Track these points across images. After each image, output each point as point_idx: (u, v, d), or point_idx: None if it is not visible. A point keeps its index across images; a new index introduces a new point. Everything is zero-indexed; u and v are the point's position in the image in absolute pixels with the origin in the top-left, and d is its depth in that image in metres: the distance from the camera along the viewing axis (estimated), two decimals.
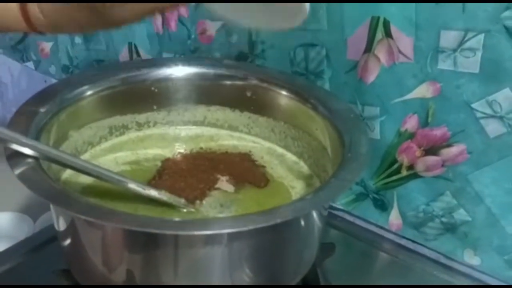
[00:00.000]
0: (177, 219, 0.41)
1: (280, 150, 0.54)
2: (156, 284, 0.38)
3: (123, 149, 0.52)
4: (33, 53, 0.83)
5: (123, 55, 0.71)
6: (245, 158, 0.52)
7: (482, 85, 0.46)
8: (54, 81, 0.81)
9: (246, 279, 0.40)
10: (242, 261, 0.39)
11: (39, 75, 0.84)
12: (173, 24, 0.65)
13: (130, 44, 0.69)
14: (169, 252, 0.37)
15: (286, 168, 0.51)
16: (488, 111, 0.46)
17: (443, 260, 0.54)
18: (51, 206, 0.42)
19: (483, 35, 0.44)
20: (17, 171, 0.37)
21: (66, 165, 0.41)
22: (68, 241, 0.42)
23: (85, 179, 0.45)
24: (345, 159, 0.42)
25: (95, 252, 0.40)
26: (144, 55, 0.69)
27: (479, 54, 0.45)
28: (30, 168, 0.38)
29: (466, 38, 0.45)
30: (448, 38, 0.46)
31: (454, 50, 0.46)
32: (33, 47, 0.82)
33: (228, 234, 0.36)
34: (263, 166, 0.51)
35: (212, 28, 0.62)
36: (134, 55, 0.70)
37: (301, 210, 0.38)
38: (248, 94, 0.53)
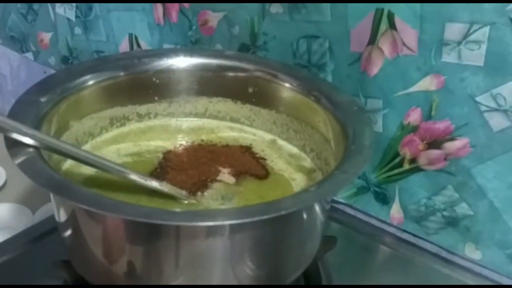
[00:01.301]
0: (180, 210, 0.41)
1: (281, 142, 0.53)
2: (157, 277, 0.38)
3: (125, 141, 0.51)
4: (32, 44, 0.82)
5: (123, 46, 0.70)
6: (246, 151, 0.52)
7: (486, 78, 0.45)
8: (53, 72, 0.80)
9: (247, 271, 0.39)
10: (244, 253, 0.38)
11: (39, 66, 0.84)
12: (174, 15, 0.64)
13: (130, 35, 0.69)
14: (171, 243, 0.37)
15: (287, 161, 0.51)
16: (493, 104, 0.46)
17: (444, 254, 0.54)
18: (52, 196, 0.42)
19: (488, 27, 0.44)
20: (18, 160, 0.37)
21: (67, 155, 0.41)
22: (68, 232, 0.41)
23: (87, 170, 0.45)
24: (348, 152, 0.42)
25: (96, 243, 0.39)
26: (144, 46, 0.68)
27: (484, 46, 0.45)
28: (31, 157, 0.37)
29: (471, 31, 0.45)
30: (453, 31, 0.45)
31: (459, 43, 0.46)
32: (32, 37, 0.82)
33: (231, 225, 0.36)
34: (264, 159, 0.51)
35: (213, 19, 0.61)
36: (135, 46, 0.69)
37: (305, 202, 0.37)
38: (250, 86, 0.53)
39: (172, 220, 0.34)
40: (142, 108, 0.54)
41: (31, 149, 0.38)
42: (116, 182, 0.43)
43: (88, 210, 0.37)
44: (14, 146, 0.38)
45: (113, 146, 0.51)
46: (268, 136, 0.54)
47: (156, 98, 0.54)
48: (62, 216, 0.41)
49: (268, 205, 0.36)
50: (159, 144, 0.51)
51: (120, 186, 0.43)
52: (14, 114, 0.41)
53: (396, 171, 0.54)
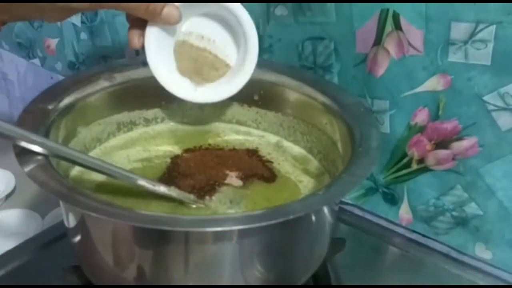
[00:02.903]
0: (187, 216, 0.41)
1: (288, 145, 0.53)
2: (167, 283, 0.38)
3: (135, 146, 0.52)
4: (39, 50, 0.83)
5: (129, 51, 0.71)
6: (253, 154, 0.52)
7: (494, 77, 0.45)
8: (60, 77, 0.81)
9: (257, 275, 0.39)
10: (253, 257, 0.38)
11: (46, 72, 0.84)
12: None
13: None
14: (180, 249, 0.37)
15: (294, 164, 0.51)
16: (500, 103, 0.46)
17: (454, 254, 0.54)
18: (61, 203, 0.42)
19: (494, 26, 0.43)
20: (27, 168, 0.37)
21: (75, 162, 0.41)
22: (78, 238, 0.42)
23: (98, 177, 0.45)
24: (355, 154, 0.42)
25: (105, 249, 0.40)
26: None
27: (490, 45, 0.44)
28: (40, 165, 0.38)
29: (477, 30, 0.44)
30: (459, 30, 0.45)
31: (465, 42, 0.45)
32: (39, 43, 0.82)
33: (240, 230, 0.36)
34: (271, 162, 0.51)
35: None
36: (140, 51, 0.69)
37: (313, 206, 0.37)
38: (256, 90, 0.53)
39: (179, 226, 0.34)
40: (149, 113, 0.54)
41: (39, 157, 0.38)
42: (126, 187, 0.43)
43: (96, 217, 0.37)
44: (22, 154, 0.38)
45: (123, 151, 0.51)
46: (275, 139, 0.54)
47: (163, 103, 0.54)
48: (71, 222, 0.41)
49: (276, 209, 0.36)
50: (167, 149, 0.52)
51: (130, 191, 0.43)
52: (22, 122, 0.42)
53: (404, 171, 0.54)
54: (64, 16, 0.42)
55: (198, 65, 0.47)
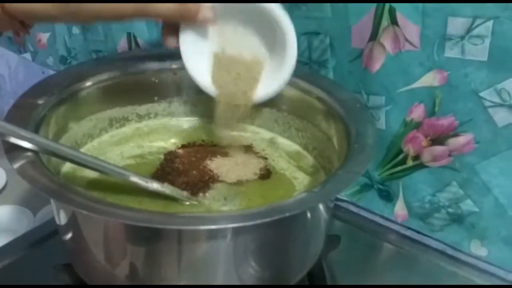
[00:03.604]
0: (182, 214, 0.40)
1: (283, 141, 0.53)
2: (159, 281, 0.38)
3: (128, 143, 0.51)
4: (30, 44, 0.82)
5: (122, 45, 0.70)
6: (247, 151, 0.51)
7: (490, 73, 0.45)
8: (52, 72, 0.79)
9: (251, 273, 0.39)
10: (247, 256, 0.38)
11: (37, 66, 0.83)
12: None
13: (128, 34, 0.68)
14: (173, 247, 0.36)
15: (289, 160, 0.51)
16: (497, 99, 0.45)
17: (449, 251, 0.54)
18: (51, 200, 0.41)
19: (491, 21, 0.43)
20: (16, 165, 0.36)
21: (65, 158, 0.40)
22: (69, 235, 0.41)
23: (90, 173, 0.44)
24: (351, 150, 0.41)
25: (97, 247, 0.39)
26: (143, 45, 0.68)
27: (487, 41, 0.44)
28: (29, 161, 0.37)
29: (474, 25, 0.44)
30: (456, 25, 0.45)
31: (462, 38, 0.45)
32: (30, 38, 0.81)
33: (234, 228, 0.35)
34: (265, 158, 0.51)
35: None
36: (133, 45, 0.69)
37: (309, 203, 0.37)
38: None
39: (173, 224, 0.34)
40: (142, 109, 0.53)
41: (29, 153, 0.37)
42: (119, 184, 0.42)
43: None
44: (12, 150, 0.37)
45: (116, 148, 0.50)
46: (269, 135, 0.53)
47: (156, 98, 0.53)
48: (62, 219, 0.41)
49: (272, 207, 0.36)
50: (161, 145, 0.51)
51: (123, 188, 0.42)
52: (11, 117, 0.41)
53: (399, 168, 0.53)
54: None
55: (234, 85, 0.47)
